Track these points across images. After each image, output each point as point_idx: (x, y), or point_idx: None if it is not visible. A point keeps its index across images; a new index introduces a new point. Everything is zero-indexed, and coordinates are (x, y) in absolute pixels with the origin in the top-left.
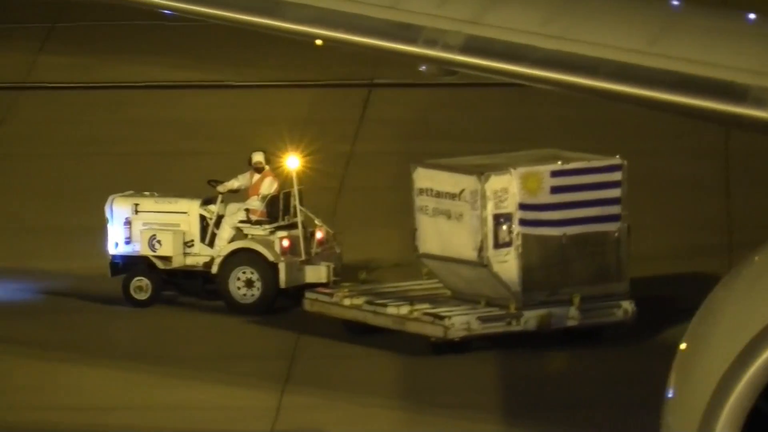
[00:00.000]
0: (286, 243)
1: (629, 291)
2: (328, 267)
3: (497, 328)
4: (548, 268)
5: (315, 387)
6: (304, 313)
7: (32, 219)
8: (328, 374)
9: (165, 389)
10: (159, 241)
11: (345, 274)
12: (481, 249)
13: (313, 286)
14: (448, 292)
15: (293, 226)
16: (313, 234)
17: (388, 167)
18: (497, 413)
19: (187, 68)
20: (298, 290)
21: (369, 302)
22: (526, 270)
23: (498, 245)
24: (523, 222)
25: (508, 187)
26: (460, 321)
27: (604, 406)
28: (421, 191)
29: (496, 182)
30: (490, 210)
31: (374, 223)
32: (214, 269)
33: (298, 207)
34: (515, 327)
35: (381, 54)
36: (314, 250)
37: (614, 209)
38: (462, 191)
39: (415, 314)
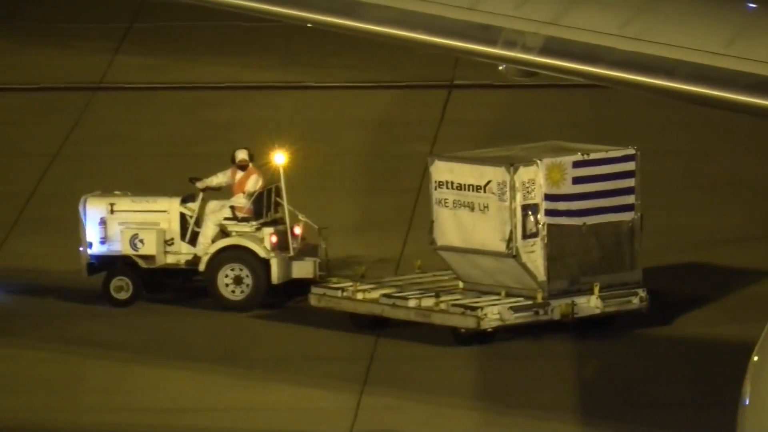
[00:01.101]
0: (274, 239)
1: (641, 280)
2: (315, 262)
3: (527, 318)
4: (569, 257)
5: (393, 388)
6: (310, 309)
7: None
8: (407, 375)
9: (241, 391)
10: (141, 240)
11: (335, 270)
12: (510, 240)
13: (299, 282)
14: (460, 284)
15: (277, 222)
16: (293, 230)
17: None
18: (576, 413)
19: (266, 69)
20: (285, 286)
21: (387, 295)
22: (550, 260)
23: (526, 236)
24: (548, 212)
25: (535, 178)
26: (492, 311)
27: (683, 406)
28: (441, 184)
29: (524, 173)
30: (519, 201)
31: None
32: (202, 267)
33: (286, 205)
34: (543, 317)
35: (460, 55)
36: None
37: (629, 199)
38: (488, 183)
39: (442, 306)
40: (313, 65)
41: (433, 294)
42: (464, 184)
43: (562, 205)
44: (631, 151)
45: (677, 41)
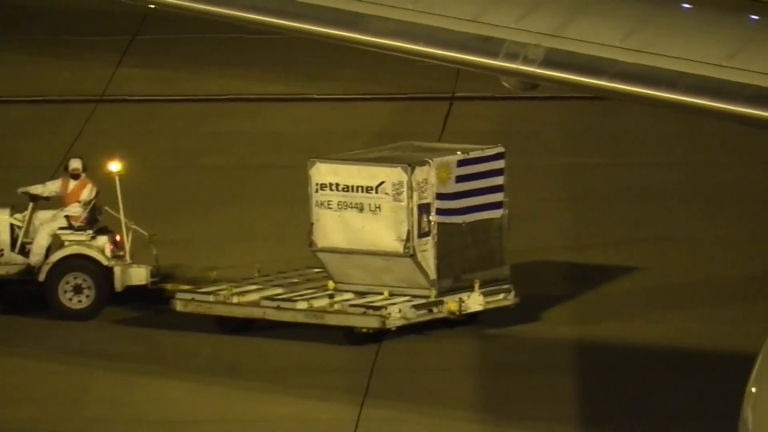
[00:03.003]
0: (111, 247)
1: (509, 276)
2: (147, 268)
3: (425, 316)
4: (452, 255)
5: (395, 400)
6: (175, 314)
7: None
8: (408, 387)
9: (242, 402)
10: None
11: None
12: (407, 239)
13: (133, 288)
14: (330, 284)
15: (103, 230)
16: (114, 237)
17: None
18: (577, 426)
19: (269, 81)
20: (121, 293)
21: (269, 298)
22: (439, 258)
23: (420, 235)
24: (438, 211)
25: (428, 178)
26: (395, 310)
27: (692, 419)
28: (323, 186)
29: (419, 173)
30: (416, 200)
31: None
32: (42, 277)
33: (122, 213)
34: (437, 314)
35: (462, 67)
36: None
37: (499, 196)
38: (381, 184)
39: (336, 306)
40: (316, 77)
41: (321, 295)
42: (352, 186)
43: (447, 204)
44: (500, 149)
45: (679, 53)
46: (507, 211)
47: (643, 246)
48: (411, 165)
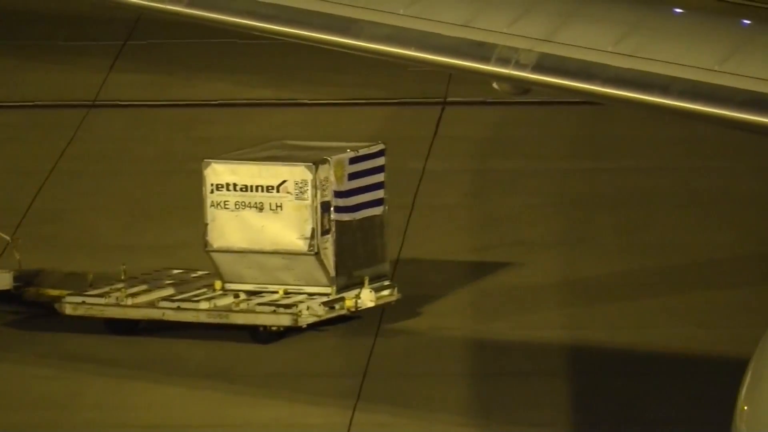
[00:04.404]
0: None
1: (390, 272)
2: (11, 273)
3: (330, 312)
4: (346, 252)
5: (387, 405)
6: (63, 317)
7: (104, 237)
8: (401, 392)
9: (235, 407)
10: None
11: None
12: (312, 237)
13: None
14: (218, 284)
15: None
16: None
17: (461, 185)
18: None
19: (261, 86)
20: None
21: (167, 298)
22: (337, 255)
23: (322, 233)
24: (336, 209)
25: (328, 176)
26: (305, 308)
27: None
28: (219, 186)
29: (321, 171)
30: (319, 198)
31: (446, 237)
32: None
33: None
34: (340, 311)
35: (454, 72)
36: None
37: (380, 194)
38: (283, 182)
39: (242, 305)
40: (308, 82)
41: (216, 295)
42: (251, 186)
43: (342, 202)
44: (381, 146)
45: (672, 58)
46: (387, 207)
47: (634, 250)
48: (315, 163)
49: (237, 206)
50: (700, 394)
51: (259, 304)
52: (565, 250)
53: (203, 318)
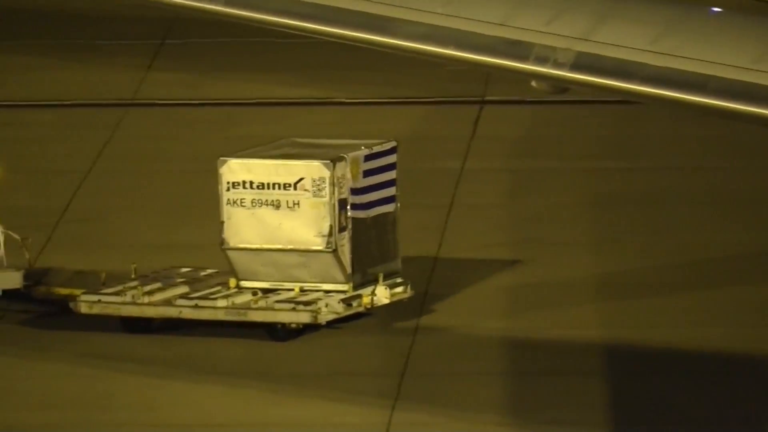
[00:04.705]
0: None
1: (401, 269)
2: (21, 272)
3: (348, 310)
4: (361, 249)
5: (426, 404)
6: (79, 316)
7: (140, 236)
8: (440, 391)
9: (272, 406)
10: None
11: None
12: (330, 234)
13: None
14: (233, 281)
15: None
16: None
17: (498, 184)
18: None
19: (297, 85)
20: None
21: (184, 296)
22: (353, 253)
23: (339, 230)
24: (353, 206)
25: (345, 173)
26: (323, 305)
27: (715, 423)
28: (235, 184)
29: (338, 169)
30: (337, 196)
31: (483, 236)
32: None
33: None
34: (357, 308)
35: (492, 71)
36: None
37: (392, 191)
38: (300, 180)
39: (261, 303)
40: (344, 81)
41: (231, 293)
42: (268, 183)
43: (358, 199)
44: (393, 143)
45: (708, 57)
46: (398, 204)
47: (667, 249)
48: (332, 161)
49: (253, 204)
50: (737, 394)
51: (278, 301)
52: (599, 249)
53: (221, 316)
